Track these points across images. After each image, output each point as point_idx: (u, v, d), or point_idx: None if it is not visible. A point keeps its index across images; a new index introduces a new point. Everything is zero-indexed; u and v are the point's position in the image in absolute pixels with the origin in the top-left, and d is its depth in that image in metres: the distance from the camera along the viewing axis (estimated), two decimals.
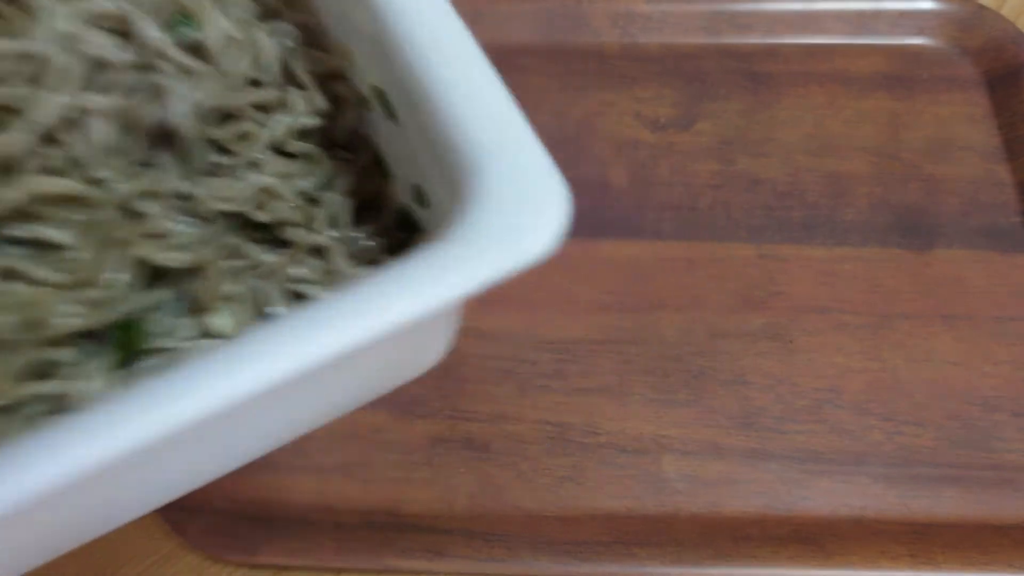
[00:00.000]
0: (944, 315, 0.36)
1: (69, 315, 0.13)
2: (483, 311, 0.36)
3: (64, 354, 0.13)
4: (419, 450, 0.34)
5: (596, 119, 0.41)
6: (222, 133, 0.14)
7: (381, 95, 0.15)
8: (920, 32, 0.42)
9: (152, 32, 0.14)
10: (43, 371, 0.13)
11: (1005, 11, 0.42)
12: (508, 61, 0.43)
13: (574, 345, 0.35)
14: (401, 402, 0.35)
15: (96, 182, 0.13)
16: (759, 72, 0.42)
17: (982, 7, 0.42)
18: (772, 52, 0.43)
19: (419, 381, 0.35)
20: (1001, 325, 0.35)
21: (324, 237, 0.15)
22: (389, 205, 0.16)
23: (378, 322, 0.12)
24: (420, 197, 0.16)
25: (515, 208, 0.13)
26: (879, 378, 0.35)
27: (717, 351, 0.35)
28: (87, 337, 0.13)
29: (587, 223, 0.38)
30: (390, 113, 0.16)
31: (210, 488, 0.33)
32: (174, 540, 0.33)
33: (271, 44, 0.15)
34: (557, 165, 0.16)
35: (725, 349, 0.35)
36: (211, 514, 0.32)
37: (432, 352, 0.17)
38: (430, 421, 0.34)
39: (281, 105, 0.15)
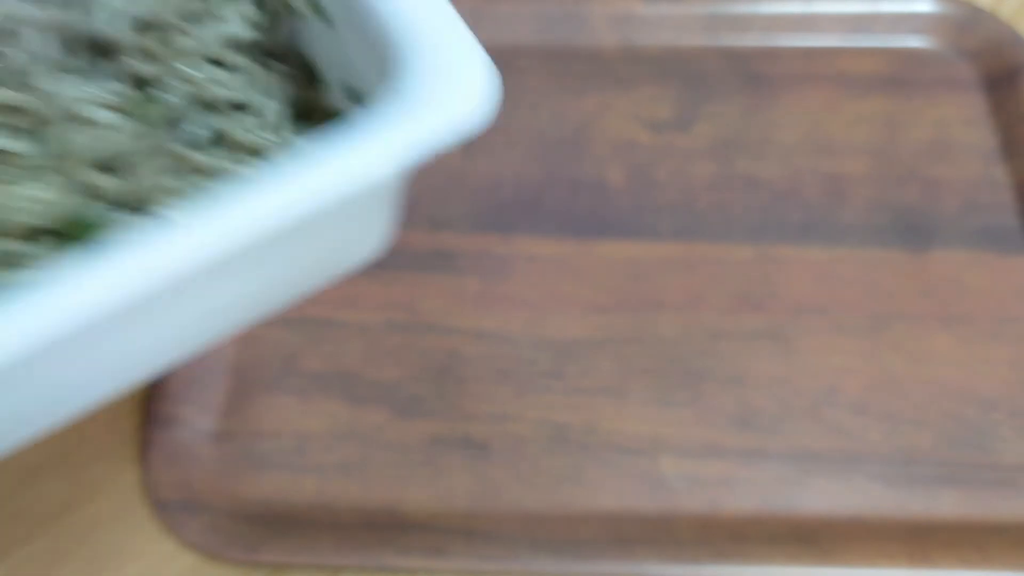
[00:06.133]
0: (942, 316, 0.36)
1: (27, 213, 0.14)
2: (483, 311, 0.36)
3: (26, 247, 0.14)
4: (419, 450, 0.34)
5: (595, 120, 0.41)
6: (154, 43, 0.15)
7: (315, 3, 0.16)
8: (917, 34, 0.42)
9: None
10: (9, 261, 0.14)
11: (1002, 14, 0.42)
12: (507, 62, 0.43)
13: (573, 345, 0.35)
14: (401, 402, 0.35)
15: (38, 91, 0.14)
16: (757, 73, 0.42)
17: (979, 9, 0.42)
18: (770, 54, 0.43)
19: (419, 381, 0.35)
20: (999, 326, 0.36)
21: (262, 139, 0.16)
22: (324, 110, 0.17)
23: (312, 193, 0.12)
24: (355, 95, 0.16)
25: (444, 81, 0.14)
26: (877, 378, 0.35)
27: (715, 351, 0.35)
28: (46, 233, 0.15)
29: (586, 224, 0.38)
30: (323, 17, 0.16)
31: (210, 488, 0.33)
32: (174, 539, 0.33)
33: None
34: (556, 166, 0.16)
35: (723, 349, 0.35)
36: (211, 513, 0.32)
37: (369, 240, 0.17)
38: (430, 421, 0.34)
39: (211, 16, 0.16)
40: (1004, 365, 0.35)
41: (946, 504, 0.32)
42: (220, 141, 0.16)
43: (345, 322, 0.37)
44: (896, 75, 0.42)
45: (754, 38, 0.43)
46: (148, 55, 0.15)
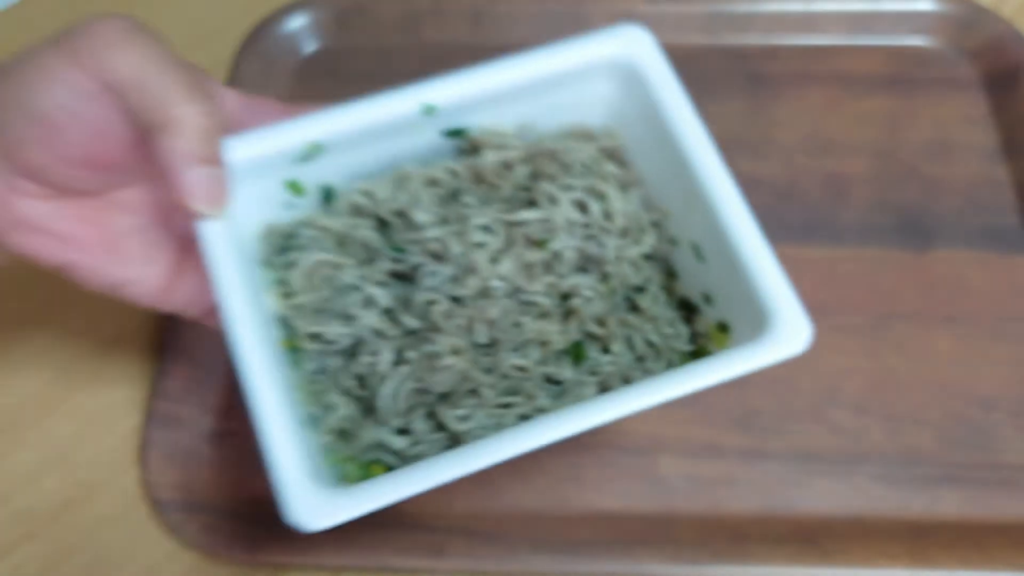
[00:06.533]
0: (943, 315, 0.36)
1: (557, 340, 0.27)
2: None
3: (550, 358, 0.27)
4: None
5: None
6: (613, 259, 0.28)
7: (696, 247, 0.27)
8: (919, 33, 0.42)
9: (595, 207, 0.27)
10: (546, 363, 0.27)
11: (1004, 12, 0.42)
12: None
13: None
14: None
15: (567, 279, 0.27)
16: (758, 73, 0.42)
17: (981, 8, 0.42)
18: (771, 53, 0.43)
19: None
20: (1000, 325, 0.35)
21: (655, 309, 0.28)
22: (676, 293, 0.29)
23: (704, 381, 0.24)
24: (706, 298, 0.28)
25: (784, 332, 0.24)
26: (878, 378, 0.35)
27: None
28: (560, 351, 0.27)
29: None
30: (699, 256, 0.27)
31: (210, 488, 0.33)
32: (173, 540, 0.33)
33: (634, 207, 0.28)
34: None
35: None
36: (211, 514, 0.32)
37: None
38: None
39: (637, 242, 0.28)
40: (1005, 364, 0.35)
41: (947, 504, 0.32)
42: (633, 307, 0.28)
43: None
44: (897, 74, 0.42)
45: (755, 37, 0.43)
46: (610, 263, 0.27)
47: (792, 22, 0.43)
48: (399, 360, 0.26)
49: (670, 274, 0.29)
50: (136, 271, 0.27)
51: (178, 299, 0.27)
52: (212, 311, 0.26)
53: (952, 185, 0.39)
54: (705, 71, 0.42)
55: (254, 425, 0.22)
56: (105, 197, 0.26)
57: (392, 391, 0.25)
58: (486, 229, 0.27)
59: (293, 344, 0.26)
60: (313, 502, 0.22)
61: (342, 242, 0.27)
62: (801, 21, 0.43)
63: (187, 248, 0.27)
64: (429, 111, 0.27)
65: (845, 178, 0.39)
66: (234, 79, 0.42)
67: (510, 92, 0.27)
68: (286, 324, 0.26)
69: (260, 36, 0.43)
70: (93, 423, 0.35)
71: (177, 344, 0.35)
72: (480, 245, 0.26)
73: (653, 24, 0.43)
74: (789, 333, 0.24)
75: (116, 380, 0.36)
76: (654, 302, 0.28)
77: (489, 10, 0.44)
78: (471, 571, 0.31)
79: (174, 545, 0.33)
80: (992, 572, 0.31)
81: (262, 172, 0.26)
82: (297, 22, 0.44)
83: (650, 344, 0.28)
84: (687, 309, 0.29)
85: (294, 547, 0.31)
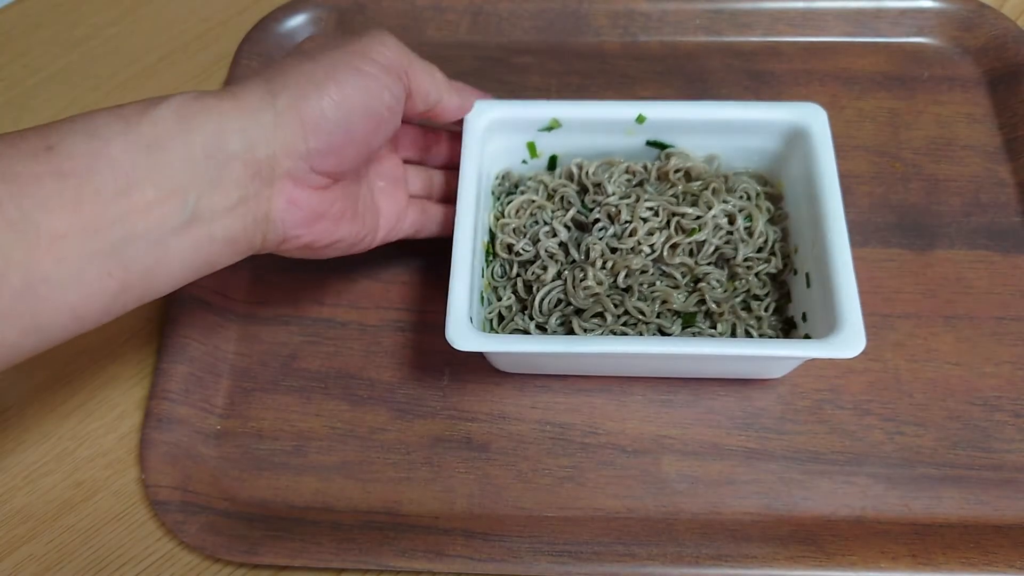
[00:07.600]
0: (945, 315, 0.36)
1: (677, 302, 0.34)
2: None
3: (669, 316, 0.34)
4: (419, 450, 0.34)
5: None
6: (743, 269, 0.35)
7: (808, 276, 0.34)
8: (921, 31, 0.42)
9: (740, 222, 0.35)
10: (663, 320, 0.34)
11: (1006, 10, 0.42)
12: (508, 60, 0.43)
13: None
14: (401, 402, 0.35)
15: (710, 276, 0.35)
16: (760, 70, 0.42)
17: (984, 6, 0.42)
18: (773, 50, 0.42)
19: (420, 381, 0.35)
20: (1002, 325, 0.35)
21: (763, 314, 0.35)
22: (785, 314, 0.35)
23: (767, 351, 0.31)
24: (804, 316, 0.34)
25: (845, 339, 0.30)
26: (880, 378, 0.35)
27: None
28: (676, 312, 0.34)
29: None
30: (808, 281, 0.33)
31: (210, 488, 0.33)
32: (173, 540, 0.33)
33: (775, 237, 0.36)
34: None
35: None
36: (211, 514, 0.32)
37: (777, 373, 0.35)
38: (430, 421, 0.34)
39: (767, 262, 0.35)
40: (1007, 364, 0.35)
41: (949, 504, 0.32)
42: (746, 307, 0.35)
43: (345, 322, 0.37)
44: (899, 72, 0.41)
45: (757, 35, 0.43)
46: (739, 266, 0.35)
47: (794, 19, 0.43)
48: (558, 278, 0.35)
49: (787, 297, 0.35)
50: (370, 225, 0.33)
51: (403, 231, 0.35)
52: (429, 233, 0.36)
53: (954, 185, 0.38)
54: (706, 69, 0.42)
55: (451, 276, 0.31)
56: (354, 174, 0.32)
57: (544, 295, 0.34)
58: (653, 211, 0.35)
59: (491, 249, 0.36)
60: (464, 332, 0.30)
61: (551, 194, 0.37)
62: (803, 18, 0.43)
63: (404, 193, 0.35)
64: (640, 120, 0.36)
65: (847, 177, 0.39)
66: (234, 77, 0.42)
67: (704, 125, 0.36)
68: (492, 235, 0.36)
69: (260, 34, 0.43)
70: (93, 423, 0.35)
71: (177, 344, 0.35)
72: (644, 219, 0.35)
73: (655, 22, 0.43)
74: (848, 341, 0.30)
75: (116, 380, 0.36)
76: (765, 310, 0.35)
77: (489, 9, 0.43)
78: (471, 573, 0.31)
79: (174, 545, 0.33)
80: (993, 572, 0.30)
81: (513, 129, 0.36)
82: (297, 20, 0.44)
83: (748, 335, 0.34)
84: (788, 326, 0.35)
85: (294, 548, 0.31)
